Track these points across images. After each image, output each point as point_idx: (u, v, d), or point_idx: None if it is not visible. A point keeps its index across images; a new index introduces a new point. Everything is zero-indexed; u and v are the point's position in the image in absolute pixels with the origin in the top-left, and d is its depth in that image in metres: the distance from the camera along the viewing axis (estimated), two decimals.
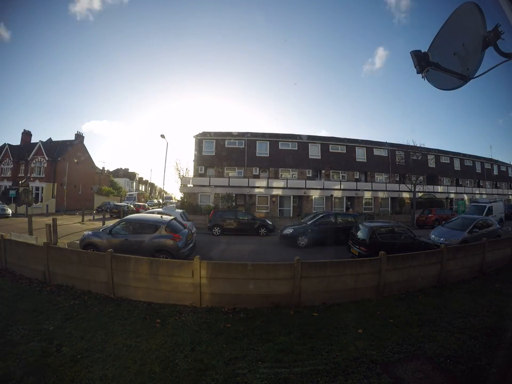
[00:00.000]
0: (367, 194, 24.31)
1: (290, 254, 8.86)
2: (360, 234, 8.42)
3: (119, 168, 60.59)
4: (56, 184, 29.05)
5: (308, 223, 11.47)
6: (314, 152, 25.32)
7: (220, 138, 24.85)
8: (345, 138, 27.48)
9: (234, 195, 22.10)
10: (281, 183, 23.23)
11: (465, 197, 28.28)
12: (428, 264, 6.00)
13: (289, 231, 11.10)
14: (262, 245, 11.66)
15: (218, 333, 3.85)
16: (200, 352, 3.38)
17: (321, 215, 11.96)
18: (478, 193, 29.63)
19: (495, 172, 34.41)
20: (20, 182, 29.13)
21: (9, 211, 20.20)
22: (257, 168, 24.60)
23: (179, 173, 25.47)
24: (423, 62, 1.71)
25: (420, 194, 23.41)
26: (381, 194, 24.55)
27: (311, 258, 5.82)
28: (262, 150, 24.85)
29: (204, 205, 22.00)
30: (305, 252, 9.79)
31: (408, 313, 4.58)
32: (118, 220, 9.44)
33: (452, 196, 27.97)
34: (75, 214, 23.28)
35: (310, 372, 3.00)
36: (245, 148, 24.47)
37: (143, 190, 64.92)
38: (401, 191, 24.58)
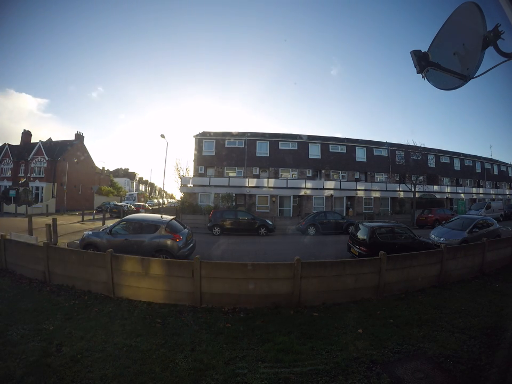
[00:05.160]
0: (367, 194, 24.31)
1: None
2: (360, 234, 8.42)
3: (119, 168, 60.75)
4: (56, 184, 29.05)
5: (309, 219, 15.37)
6: (314, 152, 25.31)
7: (219, 138, 24.85)
8: (345, 138, 27.48)
9: (234, 195, 22.09)
10: (281, 183, 23.23)
11: (462, 196, 28.28)
12: (428, 264, 6.00)
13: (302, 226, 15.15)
14: (262, 244, 11.67)
15: (218, 333, 3.85)
16: (200, 352, 3.38)
17: (314, 214, 16.40)
18: (476, 193, 29.63)
19: (495, 172, 34.39)
20: (20, 182, 29.14)
21: None
22: (257, 168, 24.59)
23: (179, 173, 25.51)
24: (423, 62, 1.70)
25: (419, 194, 23.41)
26: (377, 194, 24.54)
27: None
28: (262, 150, 24.83)
29: (204, 205, 21.99)
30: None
31: (408, 313, 4.58)
32: (118, 219, 9.44)
33: (452, 195, 27.98)
34: (75, 214, 23.29)
35: (310, 372, 3.00)
36: (245, 147, 24.46)
37: (143, 190, 64.97)
38: (401, 191, 24.58)
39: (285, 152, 24.63)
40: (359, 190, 24.11)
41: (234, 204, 21.73)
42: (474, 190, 29.94)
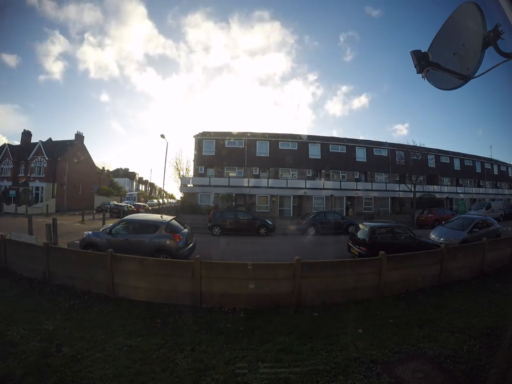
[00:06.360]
0: (367, 194, 24.32)
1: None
2: (360, 234, 8.42)
3: (119, 168, 60.79)
4: (56, 184, 29.07)
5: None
6: (314, 152, 25.33)
7: (219, 138, 24.85)
8: (345, 138, 27.54)
9: (234, 195, 22.11)
10: (281, 183, 23.24)
11: (462, 195, 28.29)
12: (428, 264, 6.01)
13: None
14: (262, 244, 11.67)
15: (218, 333, 3.85)
16: (200, 352, 3.38)
17: (314, 214, 16.48)
18: (476, 193, 29.63)
19: (495, 172, 34.40)
20: (20, 182, 29.15)
21: None
22: (257, 168, 24.60)
23: (179, 173, 25.50)
24: (423, 62, 1.70)
25: (419, 194, 23.42)
26: (377, 194, 24.55)
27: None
28: (262, 150, 24.84)
29: (204, 205, 22.00)
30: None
31: (408, 313, 4.58)
32: (118, 219, 9.45)
33: (452, 195, 27.98)
34: (75, 214, 23.30)
35: (310, 372, 3.00)
36: (245, 147, 24.46)
37: (143, 190, 65.02)
38: (401, 191, 24.59)
39: (285, 152, 24.63)
40: (359, 190, 24.11)
41: (234, 203, 21.75)
42: (474, 190, 29.94)
